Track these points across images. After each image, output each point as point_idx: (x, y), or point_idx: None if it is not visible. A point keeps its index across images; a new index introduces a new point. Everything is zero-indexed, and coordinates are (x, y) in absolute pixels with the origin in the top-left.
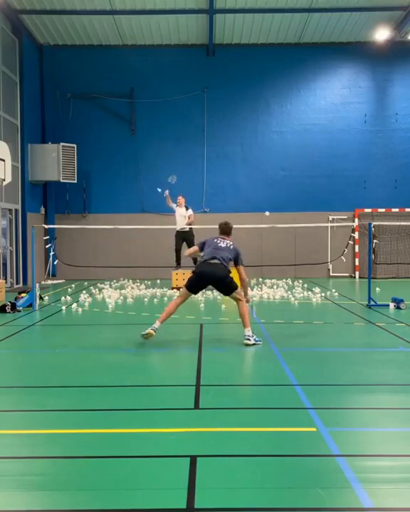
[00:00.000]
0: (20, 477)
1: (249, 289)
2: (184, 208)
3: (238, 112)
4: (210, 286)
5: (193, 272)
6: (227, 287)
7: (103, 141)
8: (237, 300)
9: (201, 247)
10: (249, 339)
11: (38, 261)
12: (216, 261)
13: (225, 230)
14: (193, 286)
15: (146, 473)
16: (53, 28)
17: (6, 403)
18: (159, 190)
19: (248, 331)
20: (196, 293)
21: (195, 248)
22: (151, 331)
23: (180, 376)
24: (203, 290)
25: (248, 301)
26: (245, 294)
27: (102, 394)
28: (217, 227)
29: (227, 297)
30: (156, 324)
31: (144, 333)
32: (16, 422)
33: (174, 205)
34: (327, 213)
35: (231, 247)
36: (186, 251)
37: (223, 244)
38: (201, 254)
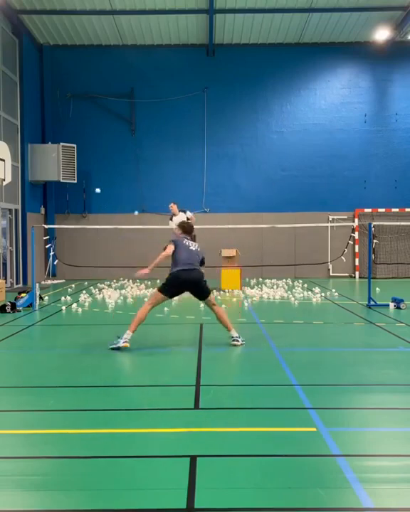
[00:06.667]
0: (21, 477)
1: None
2: (181, 213)
3: (238, 112)
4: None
5: (171, 277)
6: (202, 291)
7: (103, 141)
8: (212, 306)
9: (175, 246)
10: (237, 340)
11: (38, 261)
12: (193, 267)
13: (189, 229)
14: (173, 291)
15: (146, 473)
16: (52, 28)
17: (5, 403)
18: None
19: (234, 333)
20: (171, 298)
21: (171, 248)
22: (127, 344)
23: (180, 376)
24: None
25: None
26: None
27: (101, 394)
28: (216, 227)
29: (214, 298)
30: (128, 335)
31: (116, 346)
32: (16, 422)
33: (169, 220)
34: (327, 213)
35: (198, 249)
36: (165, 252)
37: (193, 248)
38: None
